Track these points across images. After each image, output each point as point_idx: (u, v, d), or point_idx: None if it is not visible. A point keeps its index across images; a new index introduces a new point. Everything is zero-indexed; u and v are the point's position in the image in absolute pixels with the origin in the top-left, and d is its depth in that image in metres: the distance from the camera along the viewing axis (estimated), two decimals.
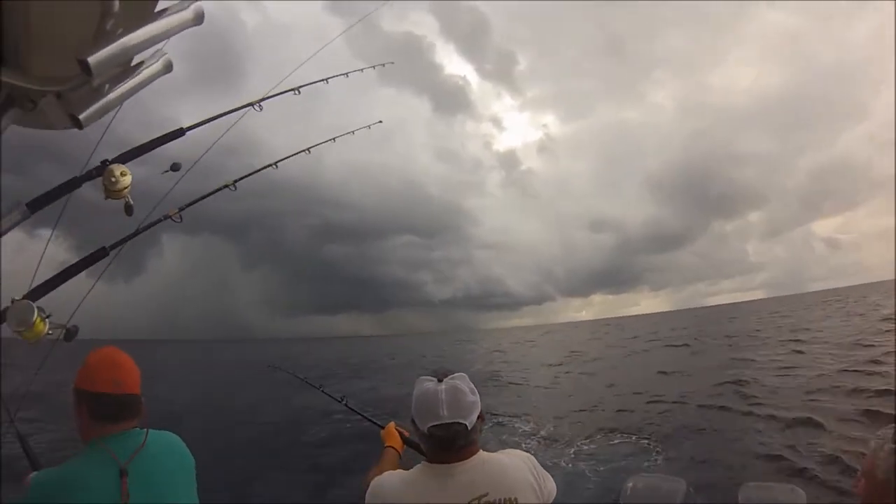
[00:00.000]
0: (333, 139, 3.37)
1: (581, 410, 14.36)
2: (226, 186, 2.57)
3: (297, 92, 3.04)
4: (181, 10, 1.14)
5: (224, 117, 2.53)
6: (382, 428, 2.35)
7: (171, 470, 1.66)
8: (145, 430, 1.64)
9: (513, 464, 1.68)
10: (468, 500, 1.58)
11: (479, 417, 1.66)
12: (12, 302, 1.57)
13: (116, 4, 0.95)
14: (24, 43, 1.05)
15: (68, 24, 1.08)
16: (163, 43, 1.15)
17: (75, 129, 1.38)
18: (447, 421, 1.60)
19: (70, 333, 1.66)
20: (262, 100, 2.75)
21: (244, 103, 2.67)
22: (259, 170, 2.84)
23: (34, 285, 1.69)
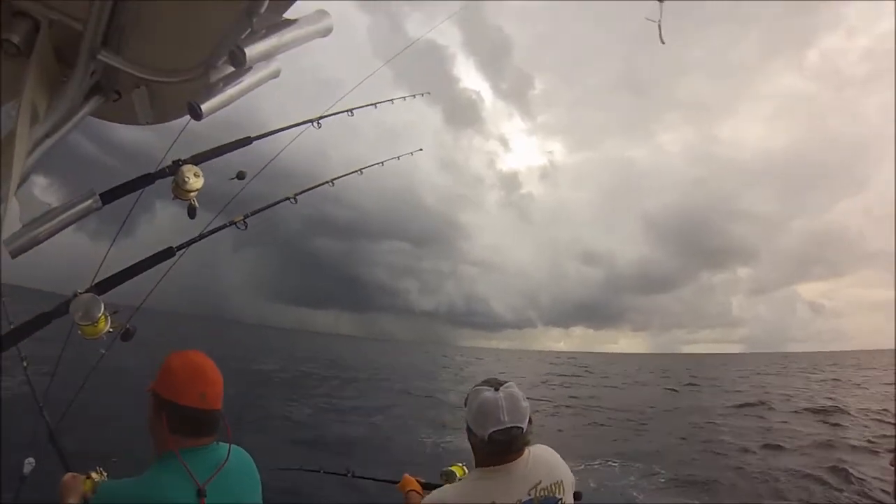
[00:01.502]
0: (381, 163, 3.47)
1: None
2: (287, 199, 2.60)
3: (350, 114, 3.12)
4: (314, 21, 1.13)
5: (285, 131, 2.55)
6: (396, 483, 2.47)
7: (248, 490, 1.57)
8: (227, 445, 1.55)
9: (550, 453, 1.93)
10: (527, 490, 1.76)
11: (529, 420, 1.81)
12: (76, 294, 1.50)
13: (265, 4, 0.93)
14: (135, 29, 1.03)
15: (191, 17, 1.07)
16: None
17: (142, 127, 1.36)
18: (507, 425, 1.76)
19: (129, 334, 1.58)
20: (321, 118, 2.82)
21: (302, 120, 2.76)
22: (316, 186, 2.87)
23: (96, 280, 1.63)
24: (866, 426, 16.18)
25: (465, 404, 1.92)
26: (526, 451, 1.85)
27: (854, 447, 13.19)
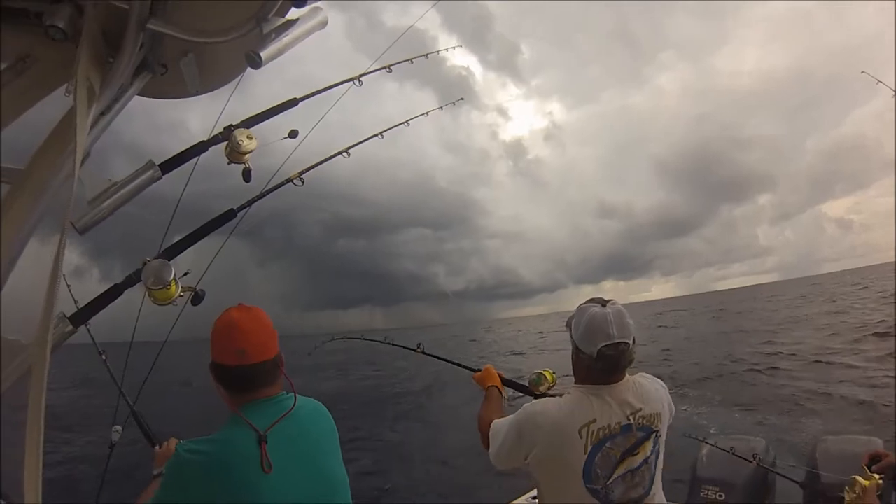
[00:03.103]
0: (407, 122, 3.30)
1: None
2: (340, 153, 2.61)
3: (389, 70, 3.06)
4: None
5: (330, 90, 2.54)
6: (476, 371, 2.47)
7: (315, 437, 1.57)
8: (292, 395, 1.56)
9: (652, 385, 1.91)
10: (627, 415, 1.78)
11: (633, 339, 1.80)
12: (144, 264, 1.56)
13: None
14: None
15: None
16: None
17: (191, 98, 1.37)
18: (616, 340, 1.75)
19: (198, 297, 1.64)
20: (362, 75, 2.80)
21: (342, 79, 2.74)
22: (367, 139, 2.87)
23: (163, 247, 1.69)
24: None
25: (569, 325, 1.92)
26: (628, 376, 1.87)
27: None
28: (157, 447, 1.89)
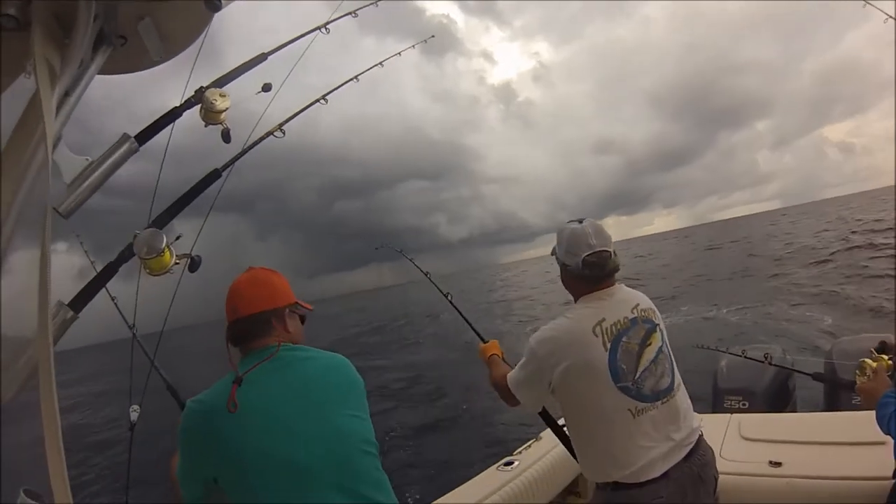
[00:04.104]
0: (381, 63, 3.23)
1: None
2: (317, 101, 2.61)
3: (355, 14, 2.97)
4: None
5: (298, 41, 2.48)
6: (484, 342, 2.48)
7: (317, 385, 1.58)
8: (285, 344, 1.62)
9: (636, 290, 2.03)
10: (630, 309, 1.89)
11: (614, 251, 1.95)
12: (135, 236, 1.58)
13: None
14: None
15: None
16: None
17: (157, 68, 1.34)
18: (597, 248, 1.90)
19: (195, 263, 1.66)
20: (328, 23, 2.73)
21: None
22: (344, 83, 2.83)
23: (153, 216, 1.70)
24: None
25: (554, 249, 2.03)
26: (617, 283, 1.99)
27: None
28: None
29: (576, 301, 1.98)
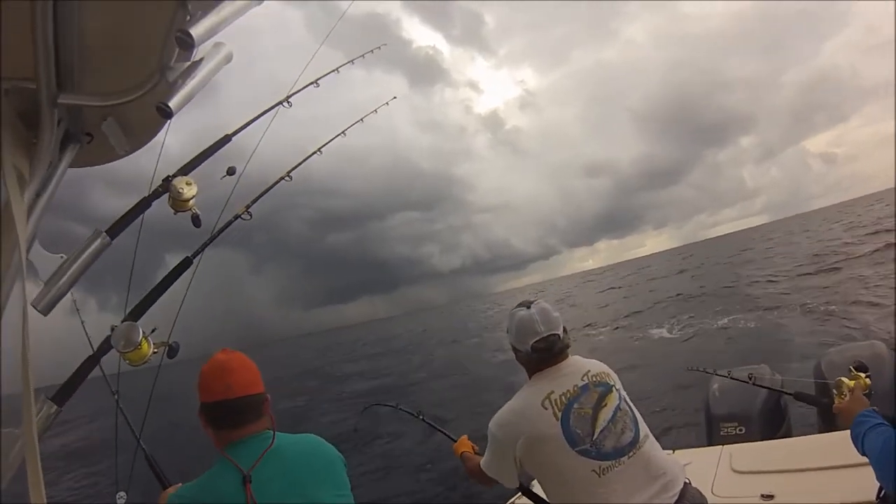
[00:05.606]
0: (361, 119, 3.42)
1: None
2: (282, 179, 2.65)
3: (316, 84, 3.06)
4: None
5: (260, 118, 2.55)
6: (455, 441, 2.59)
7: (308, 471, 1.56)
8: (272, 431, 1.58)
9: (590, 359, 2.07)
10: (580, 377, 1.93)
11: (563, 329, 1.99)
12: (112, 329, 1.58)
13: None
14: (83, 64, 1.04)
15: (129, 32, 1.07)
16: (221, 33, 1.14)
17: (125, 159, 1.38)
18: (545, 334, 1.94)
19: (173, 350, 1.65)
20: (289, 96, 2.81)
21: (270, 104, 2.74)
22: (306, 158, 2.89)
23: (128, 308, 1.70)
24: None
25: (507, 330, 2.07)
26: (570, 357, 2.02)
27: None
28: (166, 490, 1.90)
29: (529, 377, 2.03)
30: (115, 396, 2.37)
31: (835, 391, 2.10)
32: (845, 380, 2.10)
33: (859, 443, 1.76)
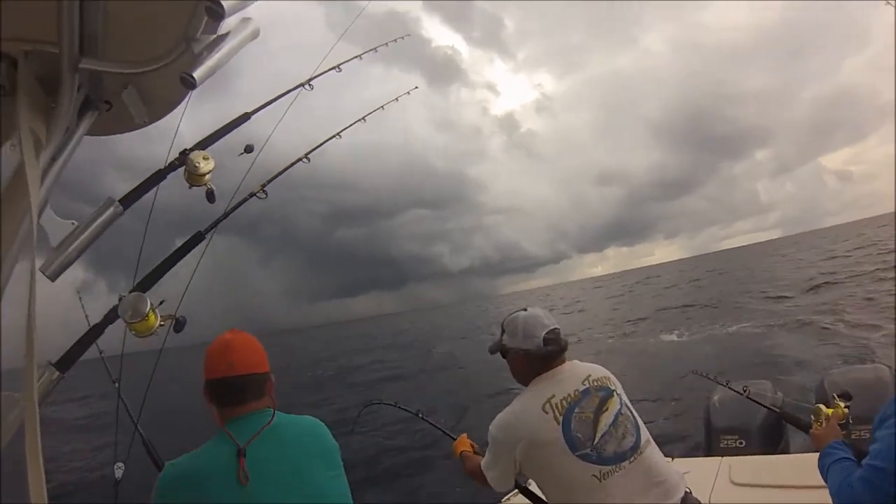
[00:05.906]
0: (382, 107, 3.42)
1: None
2: (300, 160, 2.63)
3: (339, 69, 3.06)
4: None
5: (281, 99, 2.54)
6: (454, 439, 2.60)
7: (304, 451, 1.58)
8: (272, 410, 1.60)
9: (589, 362, 2.09)
10: (581, 381, 1.93)
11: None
12: (120, 299, 1.57)
13: None
14: (108, 29, 1.03)
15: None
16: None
17: (140, 130, 1.37)
18: (552, 326, 1.99)
19: (179, 324, 1.65)
20: (311, 79, 2.80)
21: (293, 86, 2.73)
22: (326, 140, 2.89)
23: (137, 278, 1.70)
24: None
25: (509, 335, 2.06)
26: (568, 360, 2.04)
27: None
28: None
29: (527, 385, 2.02)
30: (116, 385, 2.40)
31: (812, 416, 2.11)
32: (823, 407, 2.11)
33: (824, 473, 1.77)
